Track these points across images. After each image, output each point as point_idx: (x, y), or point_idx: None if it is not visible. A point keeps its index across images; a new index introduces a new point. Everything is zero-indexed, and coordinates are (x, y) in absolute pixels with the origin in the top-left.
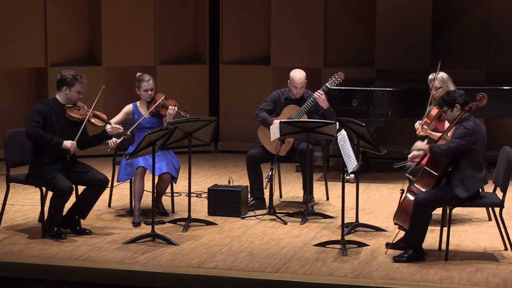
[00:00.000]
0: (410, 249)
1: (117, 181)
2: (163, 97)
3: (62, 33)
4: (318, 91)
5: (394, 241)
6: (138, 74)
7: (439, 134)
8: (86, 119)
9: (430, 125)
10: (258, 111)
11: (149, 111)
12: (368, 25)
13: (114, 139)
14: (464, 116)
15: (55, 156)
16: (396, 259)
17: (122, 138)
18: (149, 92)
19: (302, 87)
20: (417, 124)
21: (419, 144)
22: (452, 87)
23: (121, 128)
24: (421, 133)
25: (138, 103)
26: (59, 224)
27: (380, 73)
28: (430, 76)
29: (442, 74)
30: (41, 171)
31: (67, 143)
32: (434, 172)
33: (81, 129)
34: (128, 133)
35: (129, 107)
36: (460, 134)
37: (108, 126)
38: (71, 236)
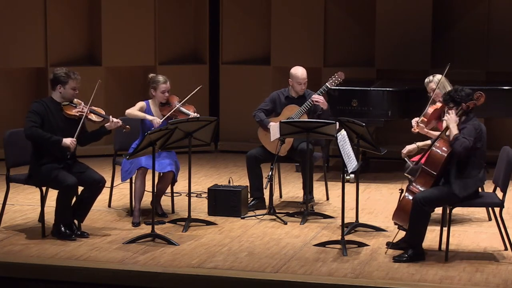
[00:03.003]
0: (410, 249)
1: (121, 180)
2: (178, 100)
3: (62, 33)
4: (316, 94)
5: (394, 241)
6: (151, 75)
7: (436, 133)
8: (84, 115)
9: (428, 124)
10: (256, 111)
11: (166, 116)
12: (368, 25)
13: (155, 118)
14: (468, 115)
15: (54, 156)
16: (396, 259)
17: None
18: (166, 94)
19: (305, 83)
20: (414, 122)
21: (454, 121)
22: (448, 88)
23: (120, 122)
24: (416, 130)
25: (150, 102)
26: (69, 221)
27: (380, 73)
28: (426, 80)
29: (438, 76)
30: (43, 170)
31: (67, 140)
32: (432, 172)
33: (79, 126)
34: (128, 126)
35: (142, 104)
36: (473, 133)
37: (108, 119)
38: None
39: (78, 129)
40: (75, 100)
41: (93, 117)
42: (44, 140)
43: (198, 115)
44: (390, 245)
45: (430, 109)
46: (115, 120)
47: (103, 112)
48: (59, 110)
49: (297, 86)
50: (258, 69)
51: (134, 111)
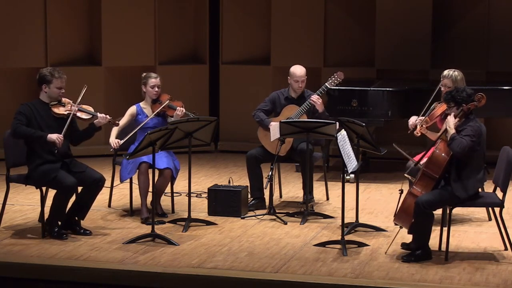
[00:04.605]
0: (418, 249)
1: (121, 181)
2: (169, 97)
3: (62, 33)
4: (315, 95)
5: (394, 241)
6: (144, 74)
7: (435, 135)
8: (71, 114)
9: (429, 124)
10: (256, 111)
11: (155, 112)
12: (368, 25)
13: (117, 140)
14: (468, 117)
15: (49, 157)
16: (405, 259)
17: (125, 139)
18: (156, 89)
19: (303, 81)
20: (413, 120)
21: (451, 122)
22: None
23: (108, 117)
24: (419, 133)
25: (141, 104)
26: (62, 221)
27: (380, 73)
28: (445, 72)
29: (456, 74)
30: (41, 171)
31: (52, 136)
32: (434, 175)
33: (67, 123)
34: (117, 121)
35: (133, 109)
36: (471, 133)
37: (97, 116)
38: (71, 236)
39: (66, 126)
40: (64, 99)
41: (82, 115)
42: (28, 136)
43: (184, 110)
44: (404, 246)
45: (437, 110)
46: (103, 115)
47: (92, 110)
48: (48, 110)
49: (294, 84)
50: (258, 69)
51: (114, 131)
